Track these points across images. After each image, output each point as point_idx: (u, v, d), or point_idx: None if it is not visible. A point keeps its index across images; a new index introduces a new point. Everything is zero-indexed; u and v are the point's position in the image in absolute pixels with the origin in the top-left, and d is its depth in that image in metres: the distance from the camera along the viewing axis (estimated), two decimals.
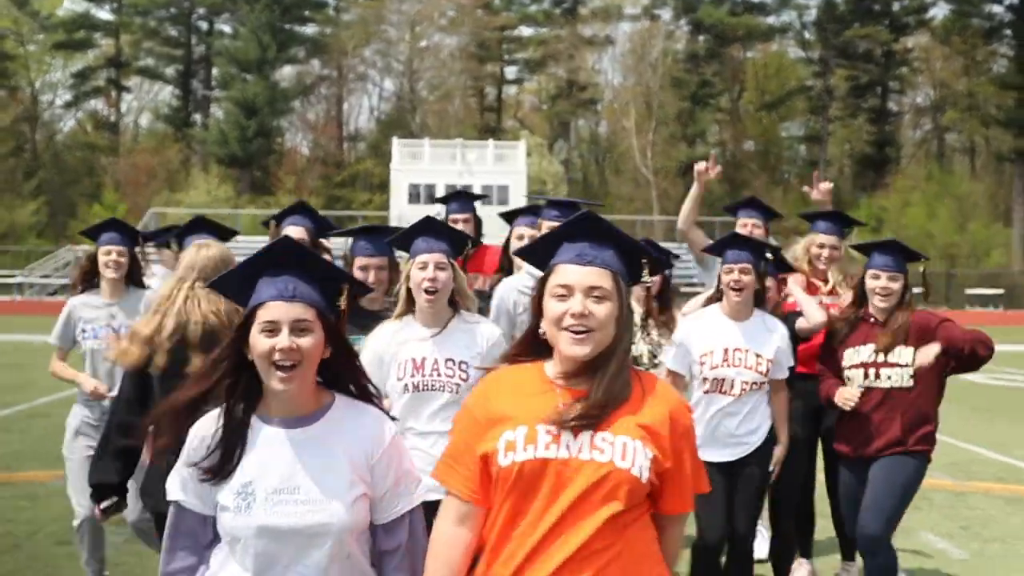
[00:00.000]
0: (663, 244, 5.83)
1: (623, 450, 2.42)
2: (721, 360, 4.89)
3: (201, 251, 4.10)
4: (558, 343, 2.50)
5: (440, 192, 45.47)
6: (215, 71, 67.44)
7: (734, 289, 4.89)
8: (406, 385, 4.04)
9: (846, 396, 4.92)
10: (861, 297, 5.05)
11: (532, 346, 2.61)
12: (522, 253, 2.86)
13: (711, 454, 4.73)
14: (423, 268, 4.10)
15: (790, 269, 5.53)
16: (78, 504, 5.28)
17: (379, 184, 58.76)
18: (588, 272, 2.50)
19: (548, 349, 2.56)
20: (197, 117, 68.66)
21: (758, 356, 4.87)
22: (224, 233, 5.67)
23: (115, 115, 69.15)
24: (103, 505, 4.11)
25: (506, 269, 5.54)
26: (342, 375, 2.65)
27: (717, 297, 5.10)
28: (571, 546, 2.40)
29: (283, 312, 2.50)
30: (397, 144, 50.32)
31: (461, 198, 6.28)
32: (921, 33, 67.19)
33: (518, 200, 45.71)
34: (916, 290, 5.21)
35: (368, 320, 4.29)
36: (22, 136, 62.84)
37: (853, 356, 4.98)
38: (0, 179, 57.74)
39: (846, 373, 5.00)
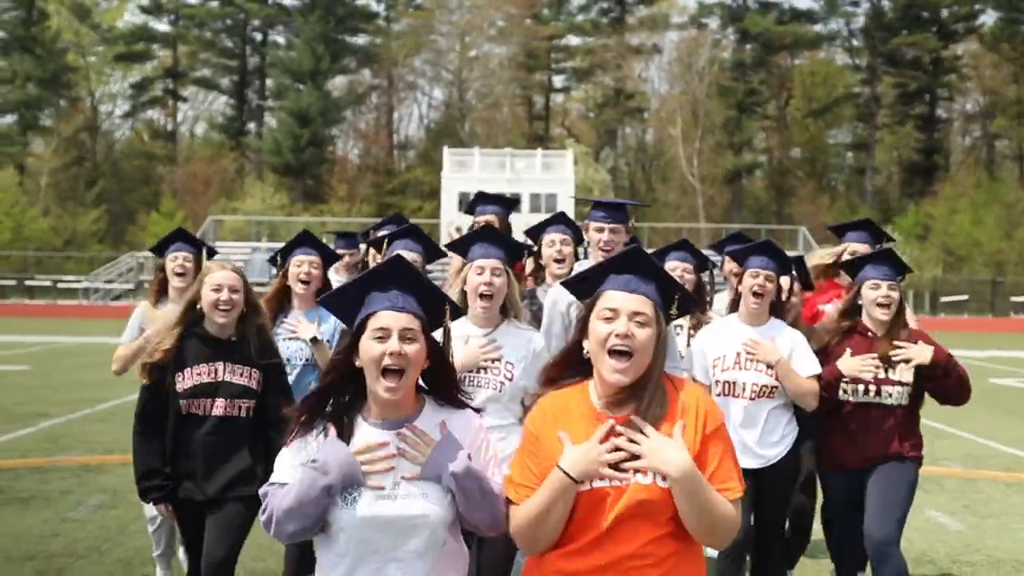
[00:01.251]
0: (705, 251, 6.14)
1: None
2: (733, 363, 4.90)
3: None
4: (601, 368, 2.71)
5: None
6: (269, 81, 68.94)
7: (756, 295, 4.92)
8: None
9: (860, 365, 4.76)
10: (854, 309, 4.94)
11: (574, 365, 2.83)
12: (570, 284, 3.05)
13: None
14: (480, 273, 4.34)
15: (809, 286, 5.59)
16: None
17: (429, 192, 59.76)
18: (634, 299, 2.74)
19: (589, 367, 2.78)
20: (251, 126, 70.23)
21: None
22: (329, 255, 5.72)
23: (172, 124, 70.98)
24: (152, 495, 4.41)
25: (539, 278, 5.60)
26: (438, 385, 2.86)
27: (736, 303, 5.12)
28: (622, 553, 2.64)
29: (393, 320, 2.73)
30: (448, 153, 51.38)
31: (486, 200, 6.24)
32: (970, 40, 66.89)
33: (567, 208, 46.57)
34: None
35: None
36: (83, 146, 64.55)
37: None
38: (64, 188, 59.43)
39: (842, 387, 4.84)
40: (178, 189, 60.03)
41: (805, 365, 4.84)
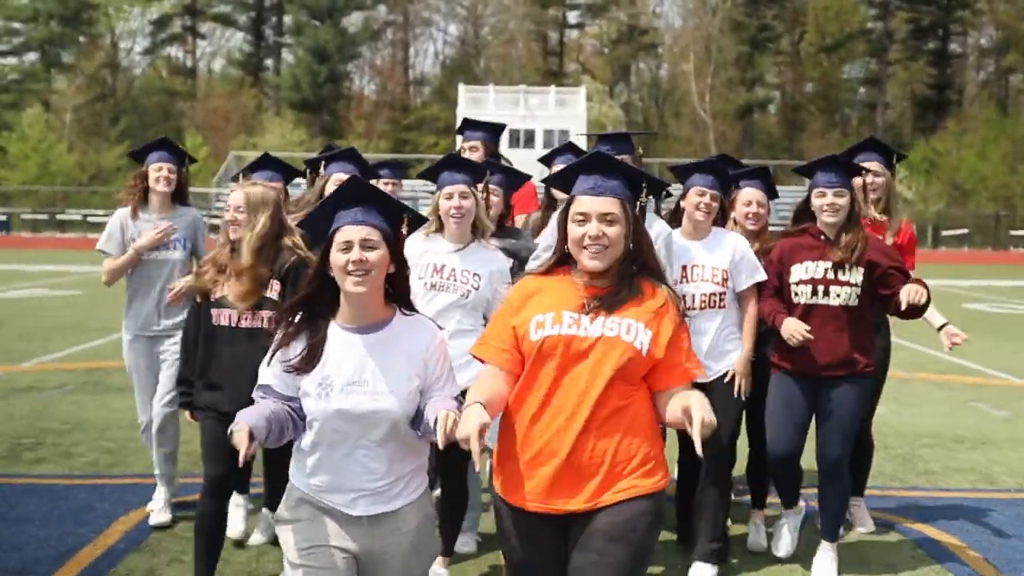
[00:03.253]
0: None
1: (628, 328, 2.98)
2: (679, 277, 4.99)
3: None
4: (579, 258, 3.05)
5: (504, 135, 47.39)
6: (287, 18, 69.66)
7: (702, 211, 5.02)
8: (426, 283, 4.66)
9: (793, 330, 4.79)
10: (803, 214, 5.02)
11: (560, 261, 3.14)
12: (549, 181, 3.56)
13: None
14: (449, 198, 4.70)
15: (775, 195, 5.48)
16: (141, 413, 5.82)
17: (444, 128, 60.66)
18: (601, 201, 3.03)
19: (570, 262, 3.11)
20: (268, 63, 71.08)
21: (714, 268, 5.00)
22: (289, 172, 5.82)
23: (191, 61, 71.85)
24: (179, 400, 4.70)
25: (548, 205, 5.54)
26: (400, 287, 3.10)
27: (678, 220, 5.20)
28: (588, 402, 2.94)
29: (354, 233, 2.99)
30: (463, 90, 52.35)
31: (469, 127, 6.28)
32: None
33: (580, 143, 47.59)
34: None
35: None
36: (105, 83, 65.33)
37: (803, 272, 4.90)
38: (87, 124, 60.43)
39: (793, 288, 4.91)
40: (199, 125, 60.75)
41: (749, 272, 4.99)
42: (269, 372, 3.07)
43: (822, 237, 4.91)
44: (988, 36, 69.04)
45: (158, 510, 5.58)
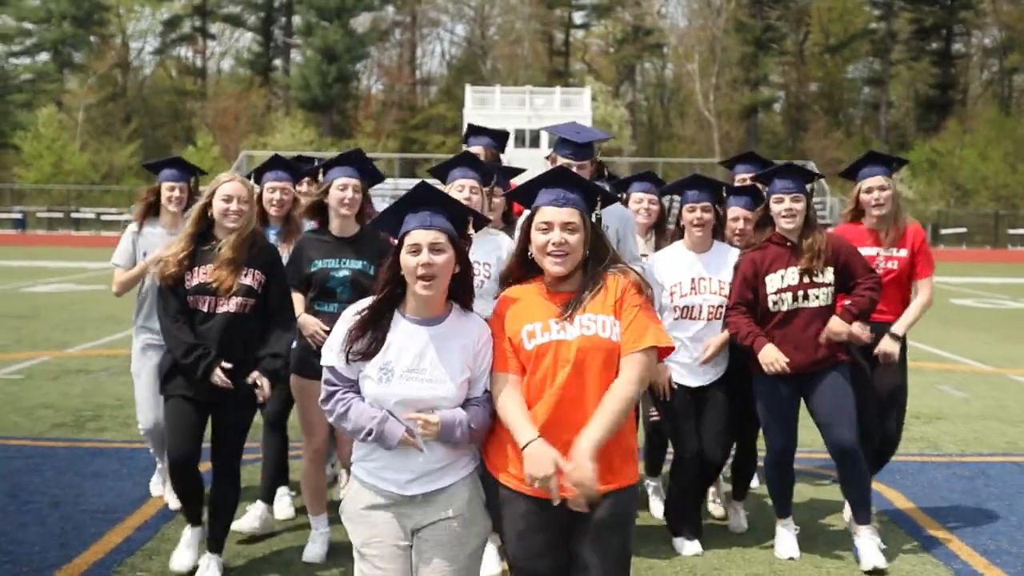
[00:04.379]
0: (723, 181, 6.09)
1: (603, 324, 3.24)
2: (689, 289, 5.25)
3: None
4: (543, 264, 3.30)
5: (510, 136, 48.16)
6: (296, 19, 70.47)
7: (696, 225, 5.28)
8: None
9: (772, 359, 4.98)
10: (764, 221, 5.18)
11: (523, 267, 3.38)
12: (514, 195, 3.73)
13: (683, 378, 5.29)
14: (460, 191, 4.87)
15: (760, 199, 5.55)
16: (144, 415, 5.86)
17: (451, 127, 61.43)
18: (564, 212, 3.29)
19: (536, 267, 3.34)
20: (277, 63, 71.84)
21: (720, 282, 5.25)
22: (298, 172, 5.95)
23: (201, 61, 72.66)
24: (200, 367, 4.57)
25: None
26: (460, 289, 3.29)
27: (679, 234, 5.47)
28: (573, 399, 3.20)
29: (423, 237, 3.18)
30: (470, 91, 53.12)
31: (473, 133, 6.40)
32: None
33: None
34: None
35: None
36: (116, 83, 65.86)
37: (779, 281, 5.08)
38: (99, 124, 61.10)
39: (772, 298, 5.08)
40: (209, 124, 61.23)
41: None
42: (333, 355, 3.24)
43: (788, 244, 5.09)
44: (991, 36, 69.23)
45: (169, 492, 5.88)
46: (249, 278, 4.60)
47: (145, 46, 70.95)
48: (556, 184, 3.34)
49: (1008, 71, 67.68)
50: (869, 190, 5.50)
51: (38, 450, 7.14)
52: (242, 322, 4.59)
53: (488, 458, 3.33)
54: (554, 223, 3.27)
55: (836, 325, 5.01)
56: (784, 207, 5.06)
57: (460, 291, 3.29)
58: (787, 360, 4.95)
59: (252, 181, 5.50)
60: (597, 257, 3.33)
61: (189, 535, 4.94)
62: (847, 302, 5.08)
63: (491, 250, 4.91)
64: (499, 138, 6.44)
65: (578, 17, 73.18)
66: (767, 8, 66.27)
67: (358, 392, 3.26)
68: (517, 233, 5.15)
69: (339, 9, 64.47)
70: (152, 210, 5.89)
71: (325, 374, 3.29)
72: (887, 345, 5.44)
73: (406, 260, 3.18)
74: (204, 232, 4.65)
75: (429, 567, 3.21)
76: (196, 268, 4.58)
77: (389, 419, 3.19)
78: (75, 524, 5.50)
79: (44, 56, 66.41)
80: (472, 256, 4.82)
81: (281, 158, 5.90)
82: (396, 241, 3.25)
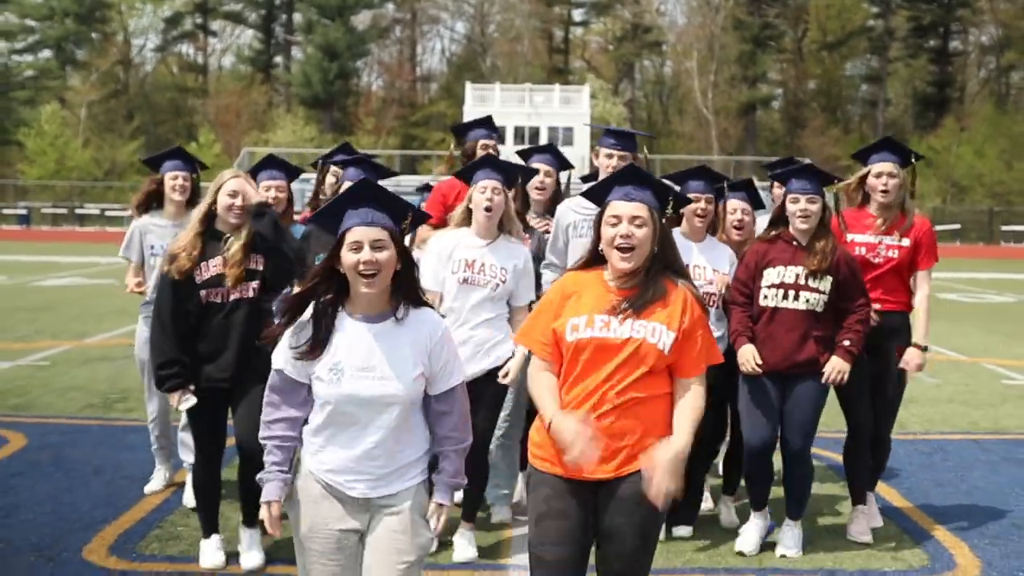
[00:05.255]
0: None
1: (653, 331, 3.28)
2: None
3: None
4: (610, 259, 3.34)
5: (510, 133, 48.93)
6: (296, 16, 70.98)
7: (699, 216, 5.35)
8: (459, 278, 4.96)
9: (747, 359, 5.07)
10: (779, 220, 5.21)
11: (594, 259, 3.44)
12: (588, 195, 3.70)
13: None
14: (483, 192, 4.97)
15: (760, 205, 5.83)
16: (153, 401, 6.15)
17: (452, 125, 61.71)
18: (632, 206, 3.34)
19: (605, 261, 3.40)
20: (278, 60, 72.31)
21: (715, 271, 5.33)
22: (293, 171, 5.97)
23: (202, 58, 73.11)
24: (168, 383, 4.71)
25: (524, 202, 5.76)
26: (404, 284, 3.21)
27: (676, 221, 5.38)
28: (618, 394, 3.27)
29: (364, 234, 3.12)
30: (470, 88, 53.62)
31: (486, 125, 6.39)
32: None
33: (583, 140, 49.06)
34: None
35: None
36: (118, 80, 66.23)
37: (775, 276, 5.10)
38: (102, 120, 61.49)
39: (763, 291, 5.12)
40: (211, 121, 61.60)
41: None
42: (282, 357, 3.22)
43: (795, 243, 5.12)
44: (989, 34, 69.50)
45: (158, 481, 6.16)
46: (255, 262, 4.77)
47: (147, 43, 71.36)
48: (627, 181, 3.45)
49: (1005, 68, 68.04)
50: (879, 175, 5.46)
51: (73, 427, 7.77)
52: (257, 307, 4.74)
53: (530, 438, 3.46)
54: (623, 216, 3.35)
55: (839, 365, 5.05)
56: (800, 207, 5.09)
57: (404, 288, 3.23)
58: (760, 363, 5.03)
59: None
60: (664, 259, 3.39)
61: (211, 544, 4.96)
62: (846, 342, 5.07)
63: (508, 257, 5.03)
64: (488, 125, 6.39)
65: (577, 15, 73.69)
66: (765, 6, 66.65)
67: (293, 431, 3.26)
68: (555, 223, 5.52)
69: (340, 7, 64.98)
70: (153, 201, 6.00)
71: (271, 378, 3.26)
72: (914, 357, 5.43)
73: (347, 257, 3.14)
74: (209, 228, 4.79)
75: (369, 572, 3.20)
76: (206, 262, 4.72)
77: (276, 480, 3.22)
78: (116, 488, 6.11)
79: (47, 53, 66.98)
80: (490, 259, 4.97)
81: (275, 157, 5.98)
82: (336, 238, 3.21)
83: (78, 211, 49.30)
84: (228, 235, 4.78)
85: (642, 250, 3.33)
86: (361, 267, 3.11)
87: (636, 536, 3.32)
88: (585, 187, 4.39)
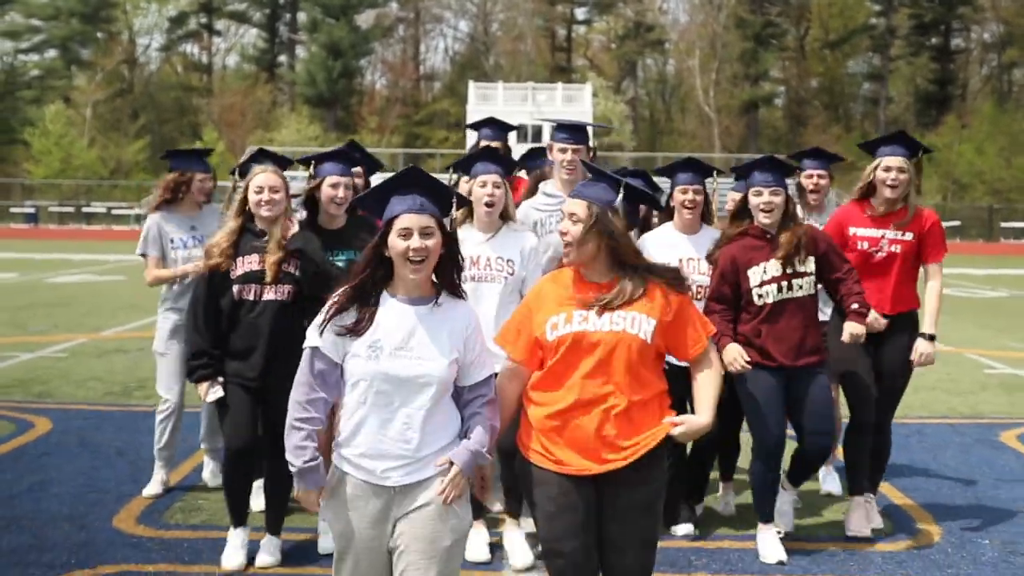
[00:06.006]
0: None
1: (633, 321, 3.36)
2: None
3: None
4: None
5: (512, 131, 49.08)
6: (300, 15, 71.37)
7: (687, 207, 5.33)
8: (464, 277, 4.40)
9: (734, 358, 4.96)
10: (742, 213, 5.16)
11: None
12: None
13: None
14: (483, 186, 4.91)
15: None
16: (167, 391, 6.11)
17: (455, 123, 62.23)
18: (571, 203, 3.48)
19: None
20: (282, 59, 72.70)
21: (710, 265, 5.25)
22: (283, 162, 5.92)
23: (207, 57, 73.52)
24: (197, 372, 4.80)
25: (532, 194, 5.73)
26: (445, 270, 3.28)
27: (669, 215, 5.49)
28: (600, 387, 3.36)
29: (414, 221, 3.19)
30: (473, 87, 53.98)
31: (494, 125, 6.52)
32: None
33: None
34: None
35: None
36: (123, 79, 66.50)
37: (762, 274, 5.03)
38: (107, 120, 61.77)
39: (756, 291, 5.03)
40: (215, 120, 62.01)
41: None
42: (318, 335, 3.24)
43: (767, 236, 5.04)
44: (990, 32, 69.69)
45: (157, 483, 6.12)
46: (291, 266, 4.79)
47: (152, 43, 71.72)
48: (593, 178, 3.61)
49: (1007, 66, 68.22)
50: (887, 168, 5.40)
51: (95, 413, 8.21)
52: (288, 311, 4.75)
53: (519, 438, 3.52)
54: (563, 212, 3.53)
55: (855, 328, 5.00)
56: (763, 200, 5.02)
57: (446, 274, 3.30)
58: (748, 359, 4.96)
59: (237, 175, 5.62)
60: (617, 252, 3.46)
61: (237, 537, 4.96)
62: (854, 305, 5.03)
63: (513, 246, 4.99)
64: (503, 128, 6.52)
65: (580, 13, 73.88)
66: (767, 4, 66.81)
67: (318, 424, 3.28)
68: (533, 250, 5.11)
69: (344, 5, 65.38)
70: (174, 197, 6.03)
71: (305, 359, 3.27)
72: (924, 347, 5.41)
73: (395, 243, 3.21)
74: (245, 224, 4.86)
75: (404, 560, 3.20)
76: (241, 258, 4.78)
77: (319, 467, 3.25)
78: (140, 467, 6.52)
79: (52, 53, 67.39)
80: (495, 252, 4.90)
81: (266, 151, 5.96)
82: (382, 223, 3.27)
83: (85, 210, 49.73)
84: (264, 231, 4.82)
85: (581, 247, 3.43)
86: (411, 254, 3.18)
87: (638, 546, 3.46)
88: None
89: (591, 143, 5.45)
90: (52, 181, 53.51)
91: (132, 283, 20.25)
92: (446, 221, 3.29)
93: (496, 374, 3.46)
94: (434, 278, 3.31)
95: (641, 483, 3.42)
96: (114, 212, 47.74)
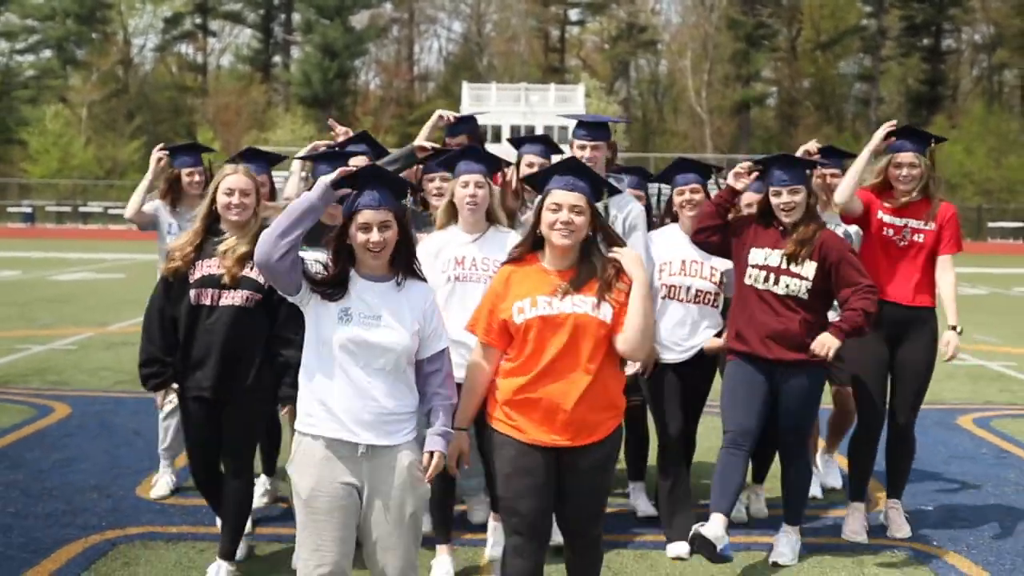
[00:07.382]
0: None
1: (593, 305, 3.65)
2: (679, 269, 5.28)
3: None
4: (550, 239, 3.69)
5: (505, 131, 49.62)
6: (295, 16, 71.71)
7: (686, 207, 5.32)
8: (448, 276, 4.76)
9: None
10: (767, 215, 5.04)
11: (533, 242, 3.78)
12: (528, 180, 4.19)
13: (666, 356, 5.29)
14: (466, 186, 4.80)
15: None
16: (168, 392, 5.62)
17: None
18: (571, 195, 3.68)
19: (543, 244, 3.75)
20: (277, 59, 72.97)
21: (712, 268, 5.27)
22: (272, 158, 6.12)
23: (202, 58, 73.76)
24: (150, 382, 4.58)
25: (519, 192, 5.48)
26: (402, 256, 3.59)
27: (674, 217, 5.46)
28: (564, 366, 3.64)
29: (373, 216, 3.49)
30: (467, 87, 54.41)
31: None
32: None
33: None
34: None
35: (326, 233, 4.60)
36: (118, 79, 66.81)
37: (760, 257, 4.98)
38: (103, 120, 62.06)
39: (748, 270, 4.99)
40: (210, 120, 62.26)
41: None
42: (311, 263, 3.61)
43: (780, 227, 4.99)
44: (981, 33, 70.00)
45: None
46: (255, 271, 4.45)
47: (147, 43, 71.85)
48: (568, 172, 3.78)
49: (997, 67, 68.62)
50: (899, 165, 5.38)
51: (111, 399, 8.75)
52: (247, 318, 4.52)
53: (486, 410, 3.78)
54: (563, 204, 3.69)
55: (829, 340, 4.79)
56: (782, 200, 4.93)
57: (403, 258, 3.59)
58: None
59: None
60: (605, 240, 3.79)
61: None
62: (847, 313, 4.85)
63: (500, 248, 4.72)
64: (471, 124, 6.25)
65: (573, 14, 74.36)
66: (759, 5, 67.28)
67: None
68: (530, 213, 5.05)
69: (338, 6, 65.75)
70: (175, 191, 6.04)
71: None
72: (955, 340, 5.32)
73: (357, 236, 3.50)
74: (211, 227, 4.62)
75: (371, 526, 3.50)
76: (201, 261, 4.54)
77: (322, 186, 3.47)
78: (157, 446, 6.98)
79: (48, 53, 67.59)
80: (481, 253, 4.77)
81: (255, 150, 6.08)
82: (343, 215, 3.55)
83: (81, 209, 50.09)
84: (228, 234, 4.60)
85: (580, 232, 3.68)
86: (370, 245, 3.49)
87: (592, 495, 3.78)
88: None
89: (611, 139, 5.41)
90: (49, 181, 53.80)
91: (131, 280, 20.74)
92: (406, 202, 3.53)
93: (447, 347, 3.69)
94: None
95: (599, 448, 3.73)
96: (110, 212, 48.06)
